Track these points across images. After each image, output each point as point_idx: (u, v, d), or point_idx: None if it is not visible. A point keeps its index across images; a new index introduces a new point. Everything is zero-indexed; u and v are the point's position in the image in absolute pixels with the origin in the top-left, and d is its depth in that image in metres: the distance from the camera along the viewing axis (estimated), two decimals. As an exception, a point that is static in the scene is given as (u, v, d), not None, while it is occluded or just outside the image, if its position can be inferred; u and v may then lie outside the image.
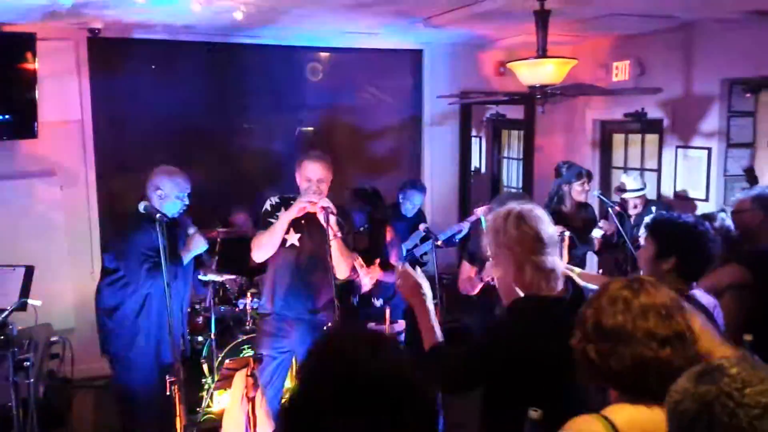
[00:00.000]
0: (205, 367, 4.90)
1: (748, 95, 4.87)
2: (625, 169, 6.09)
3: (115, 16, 4.86)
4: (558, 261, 2.24)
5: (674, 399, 1.27)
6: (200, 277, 4.33)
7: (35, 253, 4.62)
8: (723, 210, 3.97)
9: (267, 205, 3.82)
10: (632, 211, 4.97)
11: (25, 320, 3.55)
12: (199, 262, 4.18)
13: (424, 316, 2.34)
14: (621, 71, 5.76)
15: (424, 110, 6.77)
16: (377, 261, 4.36)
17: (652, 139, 5.83)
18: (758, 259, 3.19)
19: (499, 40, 6.22)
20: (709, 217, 3.70)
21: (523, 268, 2.19)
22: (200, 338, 5.03)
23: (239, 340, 4.76)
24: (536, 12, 4.11)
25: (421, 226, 4.81)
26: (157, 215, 3.46)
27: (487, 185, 7.49)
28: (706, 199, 5.11)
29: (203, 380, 4.88)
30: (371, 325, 4.05)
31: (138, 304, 3.74)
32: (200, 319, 5.08)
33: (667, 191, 5.50)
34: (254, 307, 4.82)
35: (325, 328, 3.76)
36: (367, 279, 4.30)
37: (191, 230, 3.93)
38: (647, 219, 4.76)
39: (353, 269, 4.06)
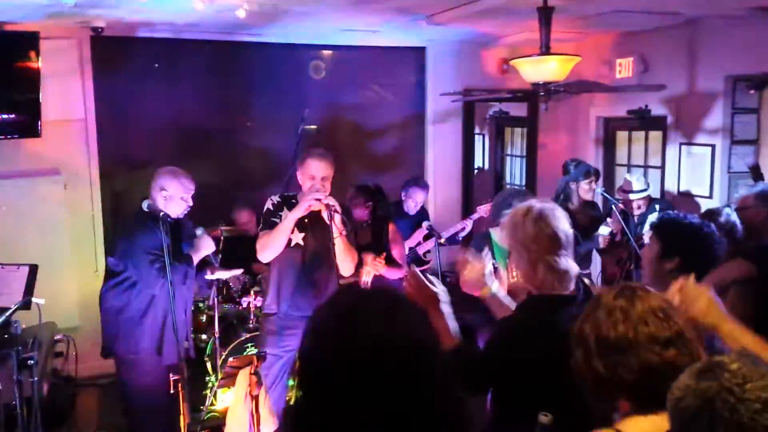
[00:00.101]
0: (208, 365, 4.91)
1: (752, 92, 4.84)
2: (629, 166, 6.07)
3: (118, 15, 4.86)
4: (572, 263, 2.23)
5: (676, 396, 1.27)
6: (207, 276, 4.32)
7: (39, 251, 4.64)
8: (728, 206, 3.96)
9: (269, 205, 3.80)
10: (636, 211, 4.96)
11: (29, 319, 3.55)
12: (204, 261, 4.18)
13: (437, 318, 2.30)
14: (624, 68, 5.75)
15: (427, 108, 6.76)
16: (383, 255, 4.35)
17: (655, 136, 5.82)
18: (763, 254, 3.18)
19: (502, 38, 6.21)
20: (715, 213, 3.69)
21: (536, 266, 2.19)
22: (204, 336, 5.04)
23: (243, 338, 4.77)
24: (539, 9, 4.11)
25: (425, 224, 4.82)
26: (161, 213, 3.46)
27: (490, 183, 7.47)
28: (710, 196, 5.10)
29: (207, 379, 4.90)
30: None
31: (144, 305, 3.74)
32: (204, 318, 5.09)
33: (671, 188, 5.49)
34: (257, 305, 4.83)
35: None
36: (367, 278, 4.30)
37: (199, 231, 3.94)
38: (651, 217, 4.78)
39: (357, 266, 4.06)
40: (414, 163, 6.82)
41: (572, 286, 2.23)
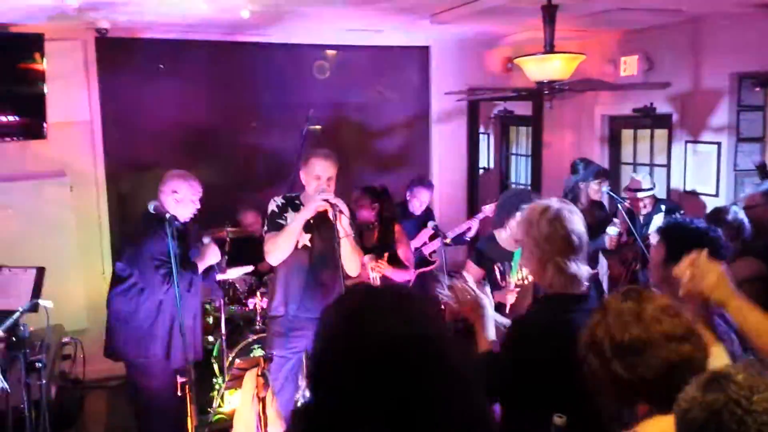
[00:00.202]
0: (215, 367, 4.91)
1: (758, 89, 4.83)
2: (634, 165, 6.06)
3: (123, 16, 4.86)
4: (584, 267, 2.23)
5: (683, 408, 1.27)
6: (219, 276, 4.34)
7: (46, 254, 4.64)
8: (735, 204, 3.95)
9: (273, 206, 3.79)
10: (642, 211, 4.95)
11: (37, 321, 3.56)
12: (209, 266, 4.19)
13: (480, 330, 2.36)
14: (629, 66, 5.73)
15: (431, 107, 6.76)
16: (386, 255, 4.35)
17: (661, 134, 5.80)
18: None
19: (507, 36, 6.20)
20: (722, 211, 3.69)
21: (546, 266, 2.19)
22: (210, 338, 5.05)
23: (249, 339, 4.77)
24: (543, 7, 4.10)
25: (430, 224, 4.81)
26: (168, 216, 3.47)
27: (495, 182, 7.46)
28: (716, 194, 5.08)
29: (214, 380, 4.90)
30: None
31: (152, 310, 3.77)
32: (210, 320, 5.09)
33: (677, 186, 5.47)
34: (264, 306, 4.83)
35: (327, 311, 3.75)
36: (375, 274, 4.29)
37: (206, 240, 3.97)
38: (657, 217, 4.77)
39: (363, 267, 4.06)
40: (419, 162, 6.81)
41: (584, 288, 2.22)
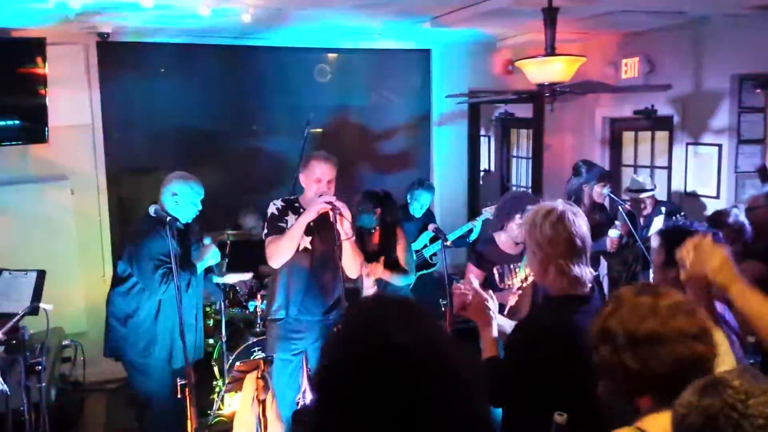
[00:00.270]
0: (215, 369, 4.91)
1: (759, 91, 4.82)
2: (635, 167, 6.05)
3: (124, 21, 4.87)
4: (587, 269, 2.23)
5: (680, 413, 1.28)
6: (216, 280, 4.33)
7: (46, 257, 4.65)
8: (736, 206, 3.95)
9: (273, 209, 3.78)
10: (643, 212, 4.94)
11: (37, 324, 3.56)
12: (209, 268, 4.20)
13: (486, 333, 2.36)
14: (630, 68, 5.73)
15: (432, 110, 6.76)
16: (381, 259, 4.33)
17: (662, 136, 5.79)
18: None
19: (507, 39, 6.20)
20: (723, 213, 3.68)
21: (548, 268, 2.20)
22: (211, 341, 5.04)
23: (250, 342, 4.77)
24: (544, 10, 4.09)
25: (431, 227, 4.79)
26: (168, 218, 3.47)
27: (496, 184, 7.46)
28: (717, 196, 5.07)
29: (214, 383, 4.90)
30: None
31: (154, 310, 3.78)
32: (211, 322, 5.09)
33: (678, 188, 5.47)
34: (264, 309, 4.82)
35: (335, 328, 3.76)
36: (369, 281, 4.28)
37: (207, 240, 3.97)
38: (657, 219, 4.76)
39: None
40: (420, 165, 6.82)
41: (587, 290, 2.22)
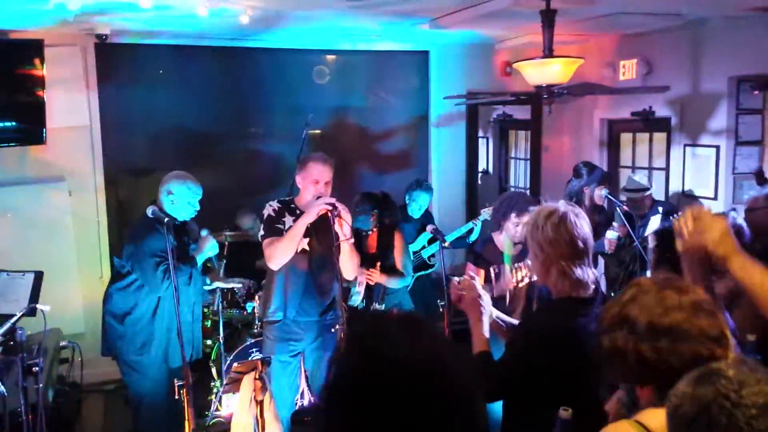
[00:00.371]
0: (213, 370, 4.91)
1: (757, 93, 4.82)
2: (633, 168, 6.06)
3: (122, 23, 4.87)
4: (589, 271, 2.22)
5: (674, 403, 1.27)
6: (206, 286, 4.33)
7: (44, 258, 4.65)
8: (734, 209, 3.94)
9: (269, 211, 3.77)
10: (641, 211, 4.94)
11: (35, 325, 3.56)
12: (206, 268, 4.19)
13: (477, 328, 2.37)
14: (628, 70, 5.73)
15: (430, 111, 6.76)
16: (378, 265, 4.34)
17: (659, 137, 5.80)
18: None
19: (506, 41, 6.21)
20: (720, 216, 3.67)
21: (550, 270, 2.19)
22: (209, 342, 5.04)
23: (247, 343, 4.76)
24: (542, 12, 4.10)
25: (429, 228, 4.79)
26: (165, 219, 3.48)
27: (494, 186, 7.47)
28: (715, 198, 5.08)
29: (212, 384, 4.89)
30: None
31: (152, 307, 3.78)
32: (208, 323, 5.09)
33: (676, 190, 5.47)
34: (260, 310, 4.82)
35: (333, 329, 3.76)
36: (359, 288, 4.29)
37: (204, 232, 3.97)
38: (653, 219, 4.76)
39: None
40: (418, 166, 6.82)
41: (590, 292, 2.22)
